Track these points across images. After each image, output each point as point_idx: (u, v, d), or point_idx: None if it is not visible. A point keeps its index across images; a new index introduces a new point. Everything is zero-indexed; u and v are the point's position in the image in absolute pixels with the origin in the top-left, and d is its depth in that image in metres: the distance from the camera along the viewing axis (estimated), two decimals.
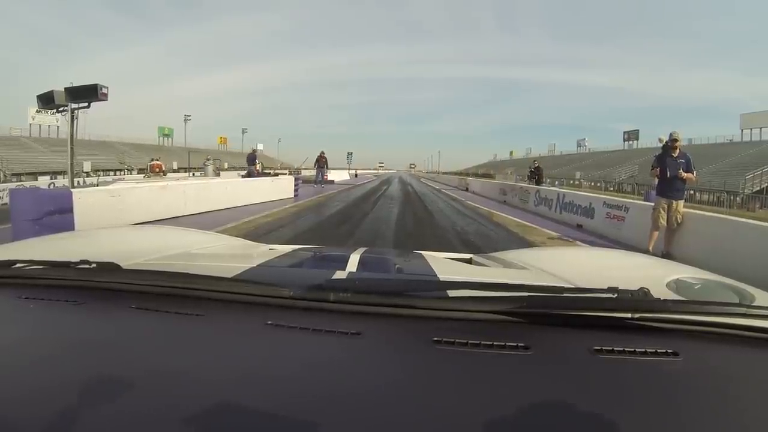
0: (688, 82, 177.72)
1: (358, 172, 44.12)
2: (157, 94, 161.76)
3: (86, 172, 28.82)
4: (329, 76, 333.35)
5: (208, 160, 17.04)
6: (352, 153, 48.36)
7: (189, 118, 67.22)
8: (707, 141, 43.49)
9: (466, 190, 20.97)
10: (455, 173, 61.98)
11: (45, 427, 0.38)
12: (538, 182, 13.56)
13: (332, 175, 25.02)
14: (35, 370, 0.48)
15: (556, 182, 25.96)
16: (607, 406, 0.44)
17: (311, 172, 24.18)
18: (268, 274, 0.96)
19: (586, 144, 63.44)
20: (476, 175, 46.24)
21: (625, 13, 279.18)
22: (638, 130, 52.12)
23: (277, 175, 16.09)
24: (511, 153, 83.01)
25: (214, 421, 0.39)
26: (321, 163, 18.56)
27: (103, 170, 32.92)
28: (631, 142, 52.56)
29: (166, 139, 60.41)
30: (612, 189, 32.06)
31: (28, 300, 0.69)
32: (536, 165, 14.29)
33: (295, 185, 13.09)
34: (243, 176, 14.29)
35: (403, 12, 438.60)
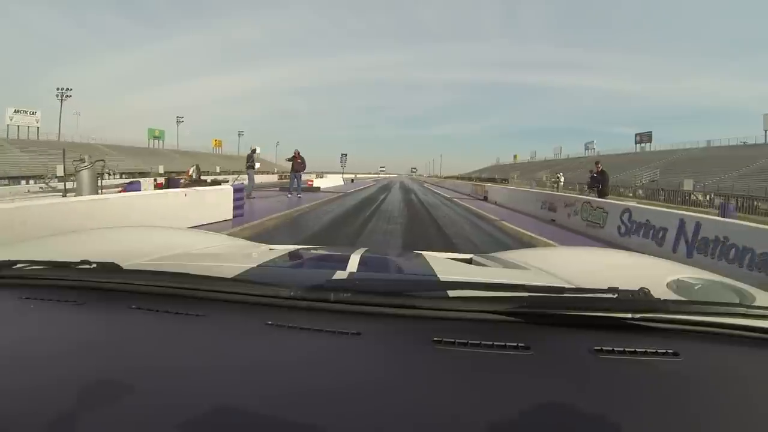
0: (694, 83, 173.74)
1: (357, 176, 40.78)
2: (154, 98, 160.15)
3: (57, 177, 26.42)
4: (330, 79, 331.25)
5: (80, 161, 8.03)
6: (346, 155, 43.76)
7: (181, 120, 65.36)
8: (726, 143, 41.51)
9: (485, 200, 16.27)
10: (456, 177, 59.69)
11: (45, 427, 0.38)
12: (602, 193, 9.49)
13: (321, 181, 22.13)
14: (36, 371, 0.48)
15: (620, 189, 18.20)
16: (608, 406, 0.44)
17: (313, 176, 21.47)
18: (268, 274, 0.96)
19: (594, 147, 61.28)
20: (491, 180, 40.98)
21: (629, 14, 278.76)
22: (651, 132, 50.06)
23: (215, 182, 11.91)
24: (515, 157, 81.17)
25: (214, 421, 0.39)
26: (297, 165, 12.54)
27: None
28: (643, 145, 50.30)
29: (157, 141, 58.11)
30: (642, 194, 28.24)
31: (29, 300, 0.70)
32: (599, 168, 9.89)
33: (236, 199, 7.85)
34: (183, 185, 10.55)
35: (405, 13, 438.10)
